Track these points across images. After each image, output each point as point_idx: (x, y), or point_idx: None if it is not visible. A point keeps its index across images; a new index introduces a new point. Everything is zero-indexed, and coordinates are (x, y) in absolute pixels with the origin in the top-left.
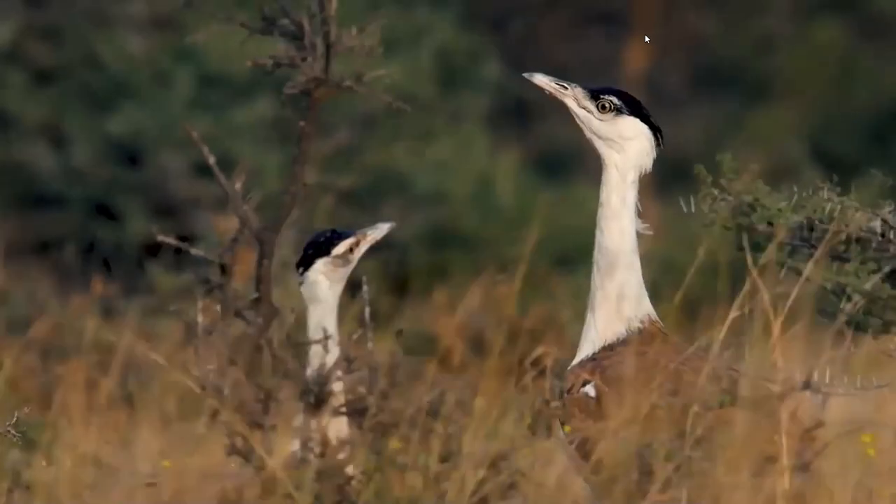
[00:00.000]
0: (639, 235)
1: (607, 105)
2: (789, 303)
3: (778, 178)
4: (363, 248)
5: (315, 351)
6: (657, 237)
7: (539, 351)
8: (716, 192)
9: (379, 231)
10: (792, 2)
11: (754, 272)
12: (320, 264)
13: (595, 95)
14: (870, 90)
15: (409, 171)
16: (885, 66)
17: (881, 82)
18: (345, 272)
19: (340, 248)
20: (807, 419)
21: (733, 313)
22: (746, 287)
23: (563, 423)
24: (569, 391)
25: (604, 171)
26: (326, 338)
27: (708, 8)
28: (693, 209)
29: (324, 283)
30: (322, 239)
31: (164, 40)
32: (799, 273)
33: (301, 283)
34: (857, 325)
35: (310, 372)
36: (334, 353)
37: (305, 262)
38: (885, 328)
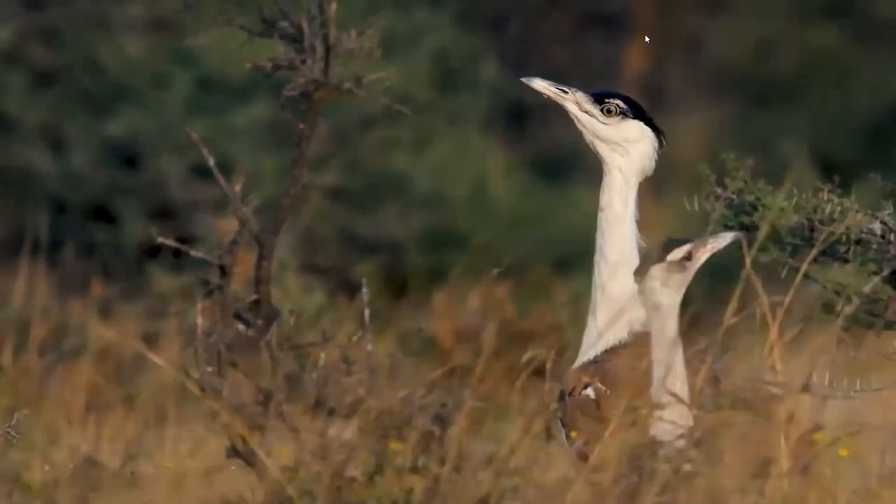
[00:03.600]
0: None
1: (613, 109)
2: (787, 303)
3: (776, 180)
4: (703, 256)
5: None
6: (656, 240)
7: (533, 353)
8: (719, 190)
9: (721, 240)
10: (791, 5)
11: (752, 275)
12: (655, 270)
13: (599, 99)
14: (868, 94)
15: (408, 173)
16: (884, 70)
17: (880, 86)
18: (682, 278)
19: (676, 254)
20: (806, 422)
21: (730, 316)
22: (741, 290)
23: (567, 428)
24: (570, 394)
25: (606, 175)
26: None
27: (707, 11)
28: (696, 207)
29: (659, 289)
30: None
31: (163, 43)
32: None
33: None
34: (860, 325)
35: None
36: (679, 361)
37: (639, 271)
38: (888, 327)
